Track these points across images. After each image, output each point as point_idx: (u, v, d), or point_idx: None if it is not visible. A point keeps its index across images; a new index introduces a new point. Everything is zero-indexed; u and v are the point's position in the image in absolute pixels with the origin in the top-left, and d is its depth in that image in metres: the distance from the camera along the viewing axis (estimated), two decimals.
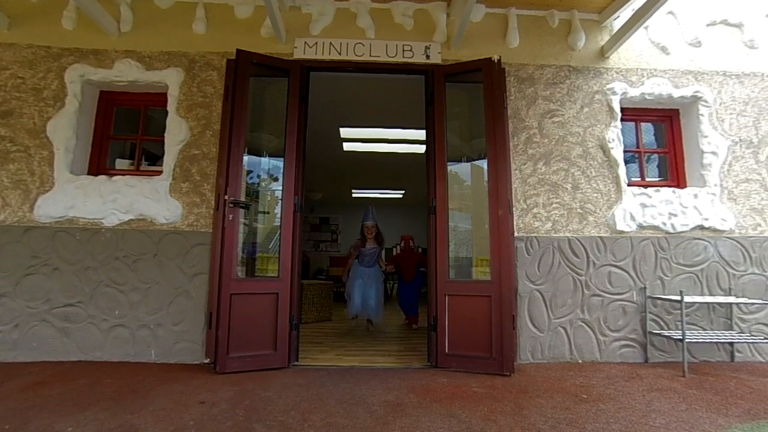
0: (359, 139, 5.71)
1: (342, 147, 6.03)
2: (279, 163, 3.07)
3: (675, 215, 3.19)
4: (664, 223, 3.18)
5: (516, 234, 3.10)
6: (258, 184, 3.56)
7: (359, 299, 4.40)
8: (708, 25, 3.48)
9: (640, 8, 2.97)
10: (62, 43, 3.19)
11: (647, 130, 3.64)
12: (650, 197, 3.22)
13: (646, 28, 3.38)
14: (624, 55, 3.41)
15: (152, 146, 3.42)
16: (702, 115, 3.34)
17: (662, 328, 3.09)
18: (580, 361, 3.01)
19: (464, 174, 3.51)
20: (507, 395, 2.26)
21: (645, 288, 3.12)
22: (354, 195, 9.66)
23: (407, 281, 4.93)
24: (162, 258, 2.98)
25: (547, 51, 3.39)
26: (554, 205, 3.20)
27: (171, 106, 3.14)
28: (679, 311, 2.84)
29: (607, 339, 3.06)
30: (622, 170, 3.23)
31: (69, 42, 3.19)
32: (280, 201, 3.07)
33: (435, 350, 2.85)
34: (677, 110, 3.51)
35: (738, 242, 3.20)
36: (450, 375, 2.67)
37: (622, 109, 3.37)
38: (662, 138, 3.59)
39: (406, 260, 4.99)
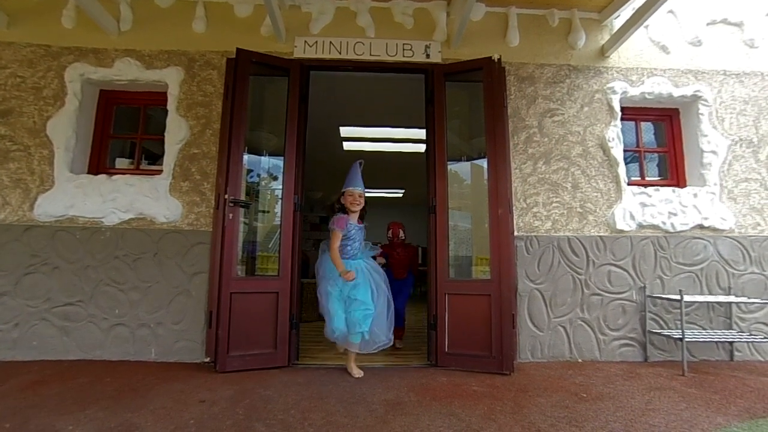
0: (359, 138, 5.70)
1: (342, 146, 6.02)
2: (279, 161, 3.07)
3: (675, 214, 3.19)
4: (664, 222, 3.18)
5: (516, 233, 3.10)
6: (258, 183, 3.56)
7: (341, 315, 2.61)
8: (708, 24, 3.48)
9: (640, 7, 2.97)
10: (62, 41, 3.18)
11: (647, 129, 3.64)
12: (650, 196, 3.22)
13: (646, 27, 3.38)
14: (624, 54, 3.40)
15: (152, 145, 3.42)
16: (702, 114, 3.34)
17: (662, 327, 3.09)
18: (580, 360, 3.01)
19: (464, 173, 3.52)
20: (507, 394, 2.26)
21: (644, 287, 3.12)
22: None
23: (397, 279, 3.60)
24: (162, 257, 2.98)
25: (547, 50, 3.39)
26: (554, 205, 3.20)
27: (171, 105, 3.14)
28: (679, 310, 2.85)
29: (606, 338, 3.06)
30: (621, 169, 3.23)
31: (69, 41, 3.19)
32: (280, 200, 3.07)
33: (435, 349, 2.85)
34: (677, 109, 3.51)
35: (737, 241, 3.20)
36: (450, 374, 2.67)
37: (622, 108, 3.36)
38: (662, 137, 3.59)
39: (397, 254, 3.71)
